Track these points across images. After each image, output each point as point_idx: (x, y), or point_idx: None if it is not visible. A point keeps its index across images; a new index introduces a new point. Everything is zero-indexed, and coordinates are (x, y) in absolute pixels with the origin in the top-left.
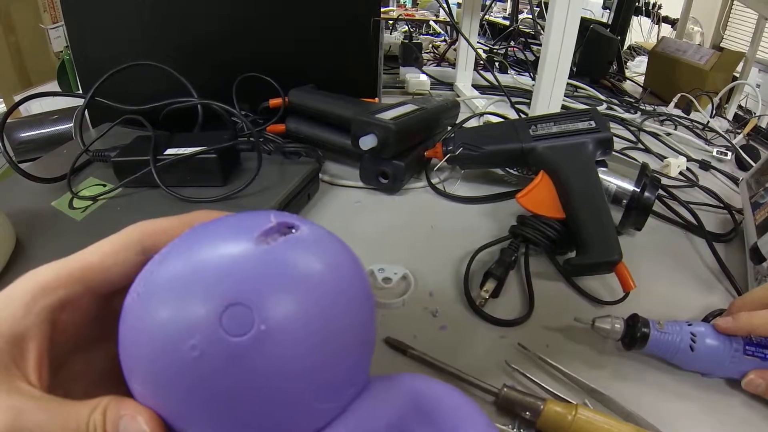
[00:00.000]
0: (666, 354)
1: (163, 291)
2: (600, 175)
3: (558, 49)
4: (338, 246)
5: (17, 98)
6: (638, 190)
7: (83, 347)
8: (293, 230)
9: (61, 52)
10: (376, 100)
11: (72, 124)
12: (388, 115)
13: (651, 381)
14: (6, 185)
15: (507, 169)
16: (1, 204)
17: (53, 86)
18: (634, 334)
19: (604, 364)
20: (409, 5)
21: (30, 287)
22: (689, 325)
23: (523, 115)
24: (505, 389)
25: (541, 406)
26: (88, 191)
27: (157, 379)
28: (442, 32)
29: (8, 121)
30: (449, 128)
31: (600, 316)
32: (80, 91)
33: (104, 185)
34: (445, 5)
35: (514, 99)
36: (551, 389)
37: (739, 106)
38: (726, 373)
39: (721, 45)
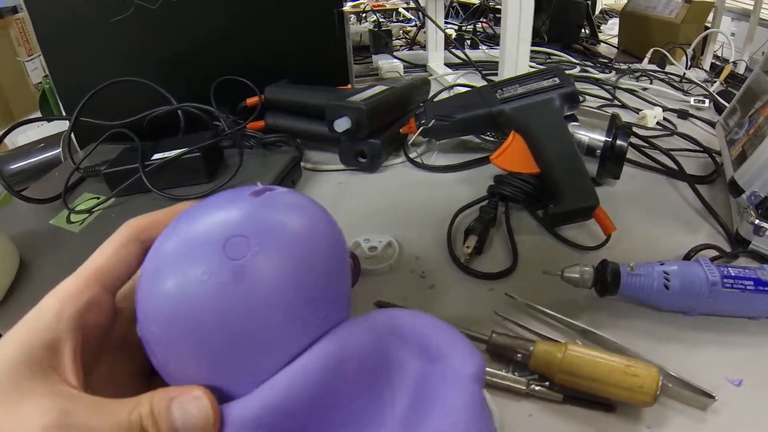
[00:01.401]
0: (641, 296)
1: (172, 247)
2: (571, 129)
3: (518, 12)
4: (311, 201)
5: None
6: (610, 139)
7: (107, 350)
8: (274, 189)
9: (40, 82)
10: (349, 87)
11: (59, 149)
12: (359, 97)
13: (628, 326)
14: (5, 211)
15: (481, 136)
16: (3, 228)
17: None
18: (605, 280)
19: (584, 312)
20: None
21: (57, 299)
22: (661, 264)
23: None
24: (494, 335)
25: (531, 347)
26: (83, 205)
27: (175, 313)
28: (413, 18)
29: None
30: (421, 104)
31: (568, 266)
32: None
33: (98, 198)
34: None
35: (487, 72)
36: (543, 333)
37: (715, 56)
38: (707, 309)
39: None
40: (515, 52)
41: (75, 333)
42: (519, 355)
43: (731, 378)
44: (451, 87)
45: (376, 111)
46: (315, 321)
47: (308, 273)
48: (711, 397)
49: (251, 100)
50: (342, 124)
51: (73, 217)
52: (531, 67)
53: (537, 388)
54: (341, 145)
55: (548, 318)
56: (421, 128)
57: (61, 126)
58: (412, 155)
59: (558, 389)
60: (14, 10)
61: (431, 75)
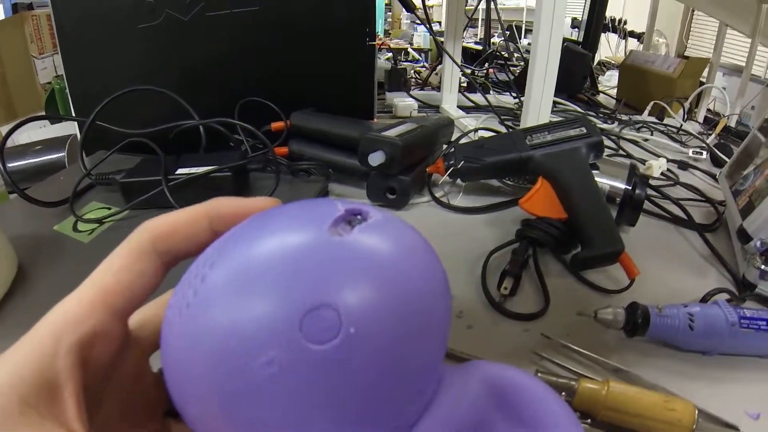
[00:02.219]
0: (668, 336)
1: (223, 297)
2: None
3: (545, 64)
4: (413, 233)
5: (4, 130)
6: (630, 188)
7: (118, 385)
8: (361, 217)
9: (50, 83)
10: (375, 121)
11: (61, 153)
12: (393, 132)
13: (654, 364)
14: (3, 210)
15: (504, 180)
16: (1, 229)
17: None
18: (635, 322)
19: (614, 352)
20: (381, 35)
21: (54, 327)
22: (685, 306)
23: (512, 130)
24: (539, 374)
25: (576, 385)
26: (92, 214)
27: (223, 403)
28: (421, 59)
29: None
30: (445, 146)
31: (601, 307)
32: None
33: (109, 208)
34: (427, 26)
35: (504, 117)
36: (579, 371)
37: (708, 110)
38: (725, 349)
39: (686, 54)
40: (539, 101)
41: (76, 370)
42: (563, 394)
43: (750, 412)
44: (475, 131)
45: (409, 148)
46: (415, 410)
47: (415, 356)
48: (736, 429)
49: (276, 125)
50: (376, 158)
51: (81, 226)
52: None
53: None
54: (370, 179)
55: (581, 357)
56: (450, 169)
57: (63, 130)
58: (438, 194)
59: (599, 425)
60: (30, 6)
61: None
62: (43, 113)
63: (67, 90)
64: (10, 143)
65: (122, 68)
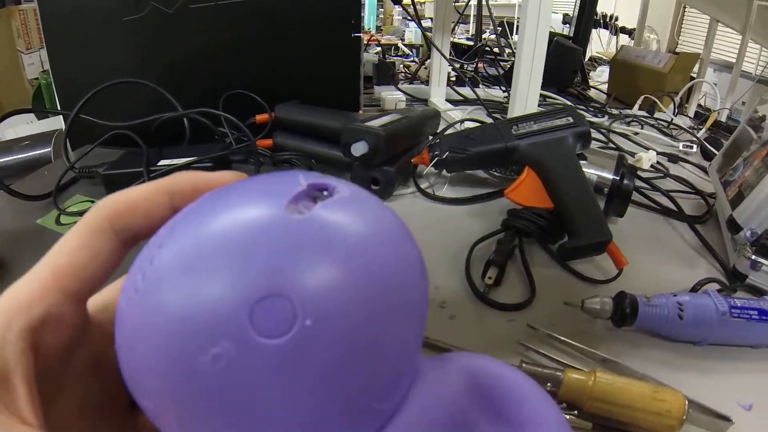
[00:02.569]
0: (656, 326)
1: (170, 282)
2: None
3: (531, 57)
4: (386, 210)
5: None
6: (617, 178)
7: (76, 373)
8: (327, 192)
9: (37, 78)
10: (361, 112)
11: (47, 149)
12: (376, 123)
13: (642, 355)
14: None
15: (490, 170)
16: None
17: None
18: (623, 311)
19: (601, 342)
20: (373, 31)
21: (1, 311)
22: (674, 295)
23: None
24: (524, 365)
25: (562, 376)
26: (75, 207)
27: (174, 399)
28: (410, 53)
29: None
30: (431, 137)
31: (588, 297)
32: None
33: (92, 201)
34: (416, 22)
35: (492, 110)
36: (566, 362)
37: (699, 105)
38: (716, 339)
39: (677, 50)
40: (526, 93)
41: (27, 356)
42: (549, 385)
43: (742, 403)
44: (461, 122)
45: (393, 138)
46: (385, 409)
47: (384, 350)
48: (728, 420)
49: (261, 117)
50: (359, 148)
51: (64, 219)
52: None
53: (567, 416)
54: (354, 170)
55: (568, 348)
56: (435, 159)
57: (52, 125)
58: (423, 185)
59: (586, 417)
60: (17, 1)
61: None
62: (30, 107)
63: (53, 84)
64: None
65: (108, 62)
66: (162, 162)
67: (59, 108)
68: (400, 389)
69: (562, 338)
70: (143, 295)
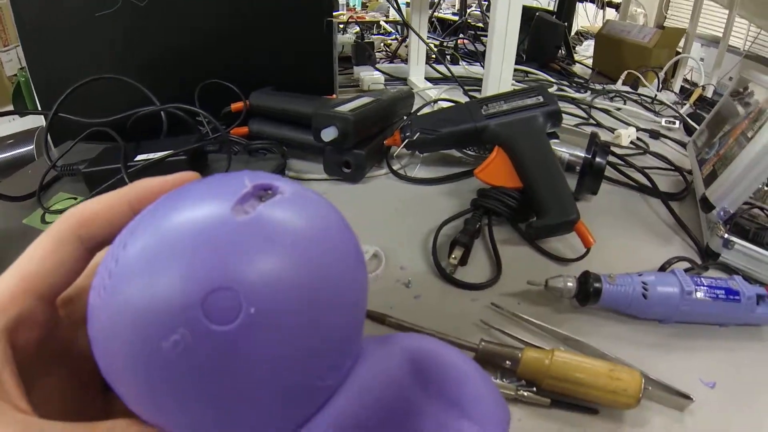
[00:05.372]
0: (621, 305)
1: (133, 281)
2: (553, 146)
3: (504, 32)
4: (324, 206)
5: None
6: (589, 156)
7: (48, 363)
8: (271, 192)
9: (15, 75)
10: (334, 96)
11: (30, 146)
12: (346, 107)
13: (607, 333)
14: None
15: (464, 150)
16: None
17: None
18: (587, 290)
19: (566, 321)
20: (359, 8)
21: None
22: (639, 275)
23: (468, 100)
24: (483, 343)
25: (520, 354)
26: (59, 205)
27: (142, 383)
28: (393, 31)
29: None
30: (405, 117)
31: (552, 276)
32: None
33: (75, 198)
34: (394, 4)
35: (467, 87)
36: (527, 340)
37: (685, 79)
38: (681, 317)
39: (665, 24)
40: (499, 70)
41: (8, 353)
42: (507, 363)
43: (705, 381)
44: (435, 101)
45: (362, 122)
46: (328, 385)
47: (323, 332)
48: (688, 398)
49: (236, 106)
50: (329, 134)
51: (48, 217)
52: (513, 84)
53: (525, 393)
54: (326, 154)
55: (532, 326)
56: (406, 141)
57: (34, 122)
58: (395, 167)
59: (545, 394)
60: None
61: (413, 89)
62: (8, 108)
63: (30, 82)
64: None
65: (84, 57)
66: (139, 157)
67: (38, 105)
68: (342, 368)
69: (525, 317)
70: (111, 291)
